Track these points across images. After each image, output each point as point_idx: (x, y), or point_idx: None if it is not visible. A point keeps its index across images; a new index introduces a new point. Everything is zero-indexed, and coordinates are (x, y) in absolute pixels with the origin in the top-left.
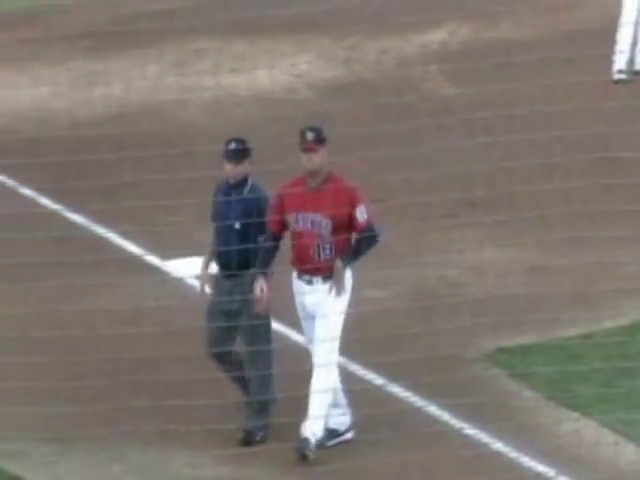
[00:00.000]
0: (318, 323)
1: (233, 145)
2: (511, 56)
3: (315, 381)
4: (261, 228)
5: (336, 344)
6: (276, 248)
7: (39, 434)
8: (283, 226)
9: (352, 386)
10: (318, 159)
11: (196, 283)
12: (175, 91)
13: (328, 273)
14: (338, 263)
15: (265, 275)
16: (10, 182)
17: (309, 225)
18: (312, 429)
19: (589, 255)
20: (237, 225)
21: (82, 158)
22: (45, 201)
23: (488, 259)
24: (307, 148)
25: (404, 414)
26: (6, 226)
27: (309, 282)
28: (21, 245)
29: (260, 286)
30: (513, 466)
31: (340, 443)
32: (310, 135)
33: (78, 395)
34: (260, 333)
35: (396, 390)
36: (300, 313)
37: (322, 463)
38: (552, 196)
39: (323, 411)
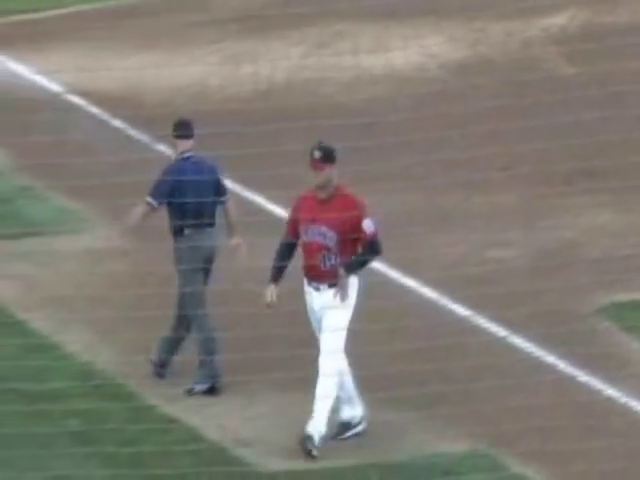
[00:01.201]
0: (325, 323)
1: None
2: (626, 39)
3: (320, 383)
4: None
5: (341, 344)
6: (292, 251)
7: (191, 380)
8: (297, 230)
9: (477, 338)
10: (323, 176)
11: None
12: (317, 70)
13: (334, 280)
14: (341, 272)
15: (277, 281)
16: (168, 151)
17: (316, 237)
18: (316, 427)
19: None
20: None
21: (232, 130)
22: None
23: (603, 223)
24: (313, 165)
25: (524, 363)
26: None
27: (317, 289)
28: None
29: (270, 292)
30: (625, 411)
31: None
32: (317, 154)
33: (228, 345)
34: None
35: (517, 341)
36: (313, 323)
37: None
38: None
39: (326, 409)
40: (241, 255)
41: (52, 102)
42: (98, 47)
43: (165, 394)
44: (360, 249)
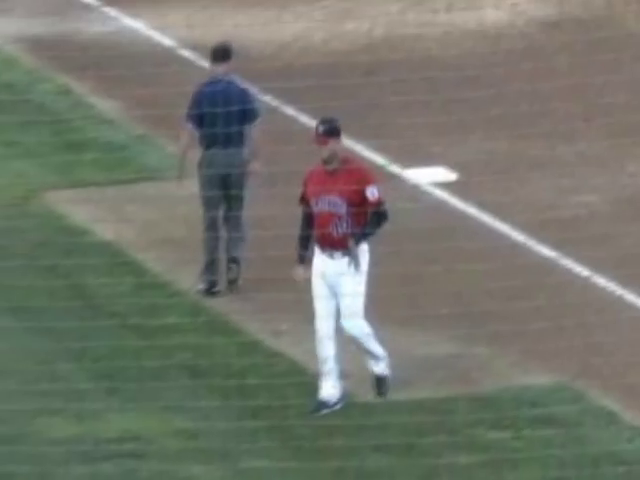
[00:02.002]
0: (343, 289)
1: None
2: None
3: (358, 343)
4: None
5: (361, 307)
6: (311, 223)
7: (294, 316)
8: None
9: (562, 277)
10: (328, 150)
11: (431, 188)
12: (413, 26)
13: (347, 247)
14: (351, 242)
15: (303, 259)
16: (275, 102)
17: (327, 206)
18: (379, 368)
19: None
20: None
21: (335, 82)
22: (304, 118)
23: None
24: (317, 140)
25: (606, 301)
26: (271, 140)
27: (330, 256)
28: (284, 156)
29: (295, 272)
30: None
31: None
32: (321, 128)
33: None
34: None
35: (600, 281)
36: (317, 290)
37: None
38: None
39: (374, 347)
40: (256, 181)
41: (165, 56)
42: (209, 4)
43: (269, 329)
44: (368, 217)
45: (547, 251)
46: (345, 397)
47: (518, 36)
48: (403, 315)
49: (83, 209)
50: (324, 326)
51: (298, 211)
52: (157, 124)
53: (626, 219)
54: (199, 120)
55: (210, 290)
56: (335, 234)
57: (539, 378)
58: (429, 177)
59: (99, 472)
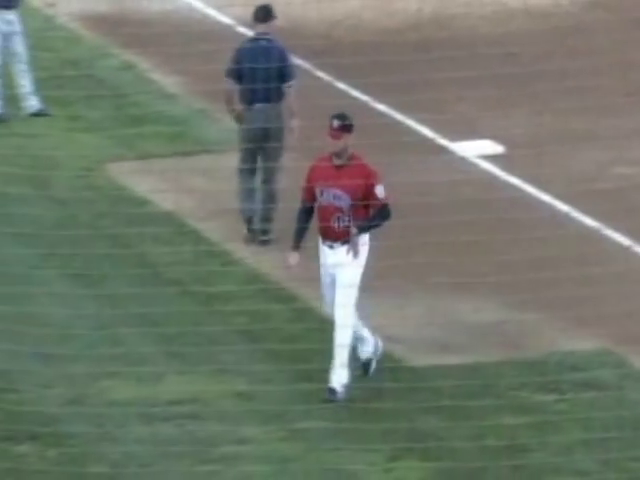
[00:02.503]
0: (339, 279)
1: None
2: None
3: (337, 334)
4: None
5: (354, 299)
6: (310, 215)
7: None
8: (313, 196)
9: (603, 247)
10: (341, 144)
11: (478, 161)
12: (461, 5)
13: (346, 238)
14: (353, 231)
15: (298, 247)
16: (327, 78)
17: (331, 199)
18: (338, 379)
19: None
20: None
21: (386, 58)
22: (356, 93)
23: None
24: (332, 134)
25: None
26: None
27: (330, 247)
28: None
29: (292, 259)
30: None
31: None
32: (336, 122)
33: (380, 251)
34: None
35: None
36: (323, 278)
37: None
38: None
39: (345, 358)
40: (293, 136)
41: (223, 34)
42: None
43: (313, 292)
44: (372, 212)
45: (590, 221)
46: (349, 389)
47: (562, 15)
48: (453, 283)
49: (144, 180)
50: (329, 310)
51: None
52: (215, 99)
53: None
54: (239, 76)
55: (250, 228)
56: (337, 227)
57: (582, 344)
58: (476, 150)
59: (158, 433)
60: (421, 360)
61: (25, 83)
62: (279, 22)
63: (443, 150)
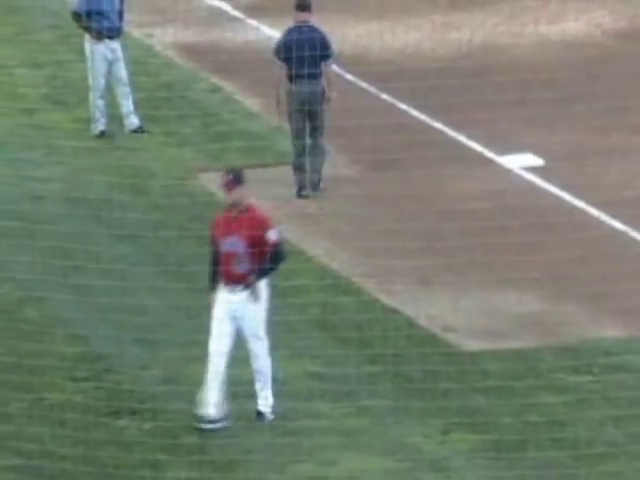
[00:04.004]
0: (247, 322)
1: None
2: None
3: (256, 363)
4: None
5: (263, 335)
6: (217, 260)
7: (409, 279)
8: (217, 243)
9: (633, 248)
10: (234, 196)
11: (521, 172)
12: (507, 36)
13: (246, 282)
14: (252, 278)
15: (214, 288)
16: (390, 99)
17: (230, 246)
18: (265, 402)
19: None
20: None
21: (441, 83)
22: (415, 113)
23: None
24: (225, 187)
25: None
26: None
27: (232, 290)
28: (397, 144)
29: (209, 299)
30: None
31: None
32: (227, 177)
33: (436, 250)
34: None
35: None
36: (217, 314)
37: None
38: None
39: (268, 384)
40: (331, 105)
41: None
42: (332, 17)
43: (386, 290)
44: (268, 257)
45: (619, 225)
46: (228, 418)
47: (595, 44)
48: (502, 278)
49: None
50: (216, 344)
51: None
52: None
53: None
54: (288, 59)
55: (300, 193)
56: (237, 271)
57: (612, 332)
58: (520, 163)
59: (242, 409)
60: (472, 346)
61: (126, 103)
62: (349, 51)
63: (491, 162)
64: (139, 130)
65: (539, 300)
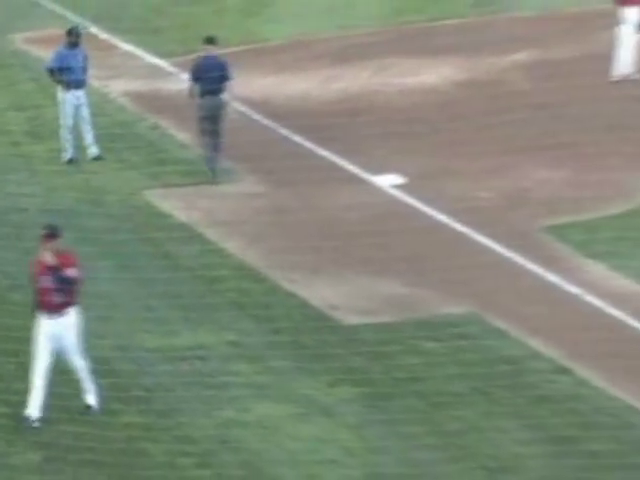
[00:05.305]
0: (67, 341)
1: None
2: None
3: (80, 365)
4: None
5: (81, 348)
6: (37, 293)
7: (303, 270)
8: (36, 280)
9: (462, 243)
10: (49, 247)
11: (392, 191)
12: (378, 85)
13: (62, 310)
14: (65, 308)
15: (37, 316)
16: (286, 133)
17: (46, 282)
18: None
19: None
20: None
21: (326, 121)
22: (308, 144)
23: None
24: (44, 239)
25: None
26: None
27: (50, 317)
28: (287, 168)
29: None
30: None
31: None
32: (45, 231)
33: (324, 248)
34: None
35: (480, 239)
36: (41, 338)
37: None
38: None
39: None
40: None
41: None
42: (242, 72)
43: (287, 278)
44: (74, 289)
45: (459, 227)
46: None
47: (442, 92)
48: (374, 269)
49: (167, 201)
50: (38, 363)
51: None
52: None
53: (511, 207)
54: (198, 79)
55: (214, 174)
56: (53, 301)
57: (456, 308)
58: (388, 181)
59: (177, 369)
60: (351, 320)
61: (89, 137)
62: (257, 94)
63: (365, 181)
64: (98, 158)
65: (401, 285)
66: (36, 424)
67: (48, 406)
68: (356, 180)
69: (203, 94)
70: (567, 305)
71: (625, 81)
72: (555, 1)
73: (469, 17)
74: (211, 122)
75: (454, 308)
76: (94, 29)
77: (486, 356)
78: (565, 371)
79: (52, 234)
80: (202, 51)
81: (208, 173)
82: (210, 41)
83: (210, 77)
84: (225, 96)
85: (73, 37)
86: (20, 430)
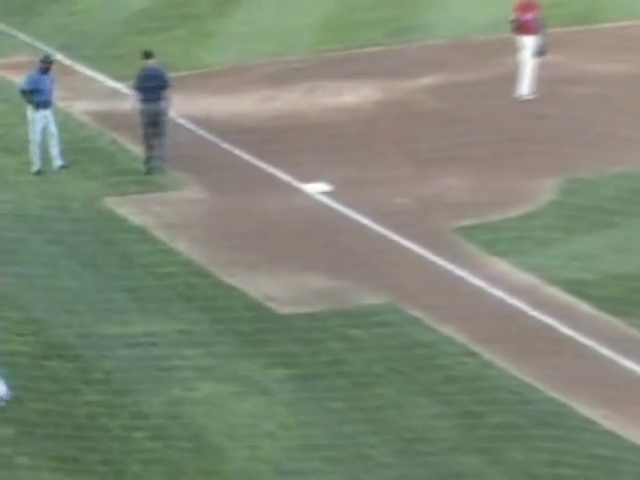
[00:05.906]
0: None
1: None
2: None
3: None
4: None
5: None
6: None
7: (243, 266)
8: None
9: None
10: None
11: (320, 197)
12: (306, 105)
13: None
14: None
15: None
16: (228, 147)
17: None
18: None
19: None
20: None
21: (262, 136)
22: (247, 156)
23: None
24: None
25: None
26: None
27: None
28: (229, 178)
29: None
30: None
31: None
32: None
33: (260, 247)
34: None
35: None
36: None
37: None
38: None
39: None
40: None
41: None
42: (187, 94)
43: (228, 273)
44: None
45: (379, 228)
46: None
47: (364, 110)
48: (303, 265)
49: (123, 207)
50: None
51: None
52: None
53: (424, 211)
54: (139, 88)
55: (149, 173)
56: None
57: (377, 299)
58: (316, 189)
59: (134, 353)
60: (285, 310)
61: (55, 151)
62: (202, 113)
63: (296, 189)
64: (63, 169)
65: (329, 280)
66: (2, 403)
67: (15, 386)
68: (288, 188)
69: (144, 101)
70: (474, 296)
71: (525, 100)
72: (464, 30)
73: (385, 45)
74: (152, 126)
75: (375, 299)
76: (59, 56)
77: (403, 341)
78: (472, 354)
79: None
80: (142, 65)
81: (144, 167)
82: (148, 55)
83: (149, 86)
84: (164, 103)
85: (46, 64)
86: None
